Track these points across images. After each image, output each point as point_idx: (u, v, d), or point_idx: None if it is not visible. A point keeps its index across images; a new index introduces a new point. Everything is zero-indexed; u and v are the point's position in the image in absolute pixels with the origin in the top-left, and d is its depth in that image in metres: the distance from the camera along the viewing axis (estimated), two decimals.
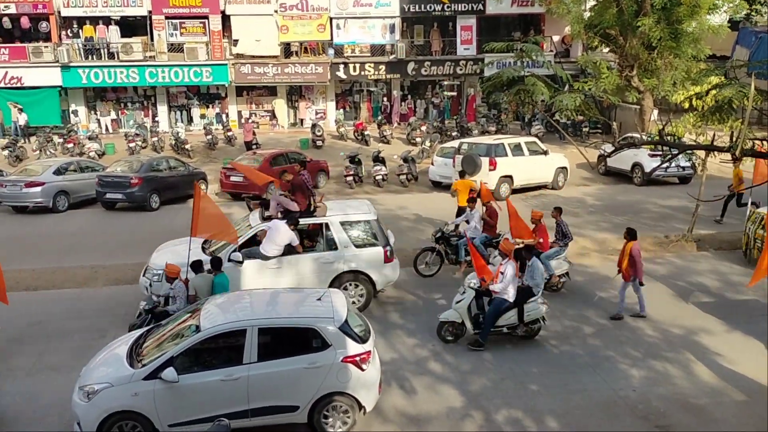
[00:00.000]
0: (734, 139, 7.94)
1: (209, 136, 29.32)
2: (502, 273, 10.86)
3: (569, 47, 34.25)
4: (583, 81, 25.03)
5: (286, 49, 32.53)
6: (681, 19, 23.89)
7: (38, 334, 11.69)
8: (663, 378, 10.04)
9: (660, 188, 22.45)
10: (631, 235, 12.06)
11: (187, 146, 28.10)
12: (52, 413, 9.21)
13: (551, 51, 32.94)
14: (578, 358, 10.68)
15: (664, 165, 17.69)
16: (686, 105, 18.71)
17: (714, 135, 12.49)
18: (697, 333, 11.51)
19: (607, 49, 28.58)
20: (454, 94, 34.71)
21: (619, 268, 12.12)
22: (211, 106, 33.58)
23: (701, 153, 16.71)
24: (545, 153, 22.50)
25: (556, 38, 34.14)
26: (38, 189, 20.38)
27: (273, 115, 33.80)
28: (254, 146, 27.51)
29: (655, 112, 26.24)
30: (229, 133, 30.18)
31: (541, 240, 13.06)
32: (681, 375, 10.13)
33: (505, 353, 10.84)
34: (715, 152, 12.63)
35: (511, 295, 10.83)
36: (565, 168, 23.13)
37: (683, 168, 22.13)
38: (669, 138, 12.32)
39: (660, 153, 20.21)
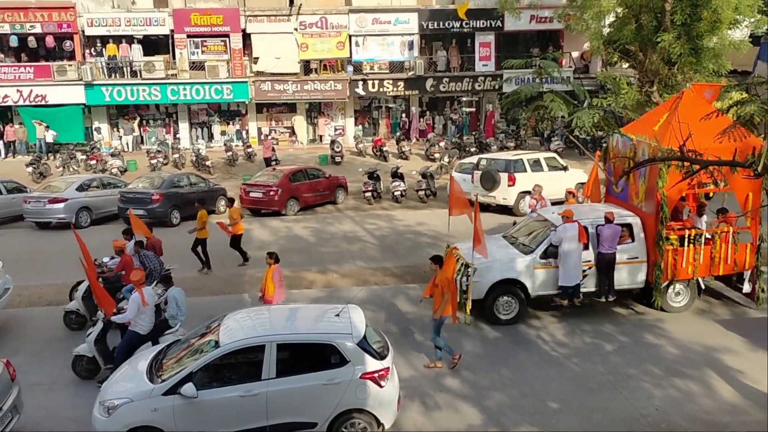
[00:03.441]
0: (756, 154, 7.87)
1: (229, 153, 29.60)
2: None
3: (588, 63, 34.20)
4: (603, 97, 24.91)
5: (306, 66, 32.85)
6: (701, 35, 23.73)
7: (59, 349, 11.76)
8: (685, 396, 9.91)
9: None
10: (272, 257, 11.74)
11: (208, 162, 28.37)
12: (72, 427, 9.28)
13: (570, 67, 32.93)
14: (599, 376, 10.56)
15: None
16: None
17: (736, 151, 12.38)
18: (719, 351, 11.35)
19: (627, 65, 28.45)
20: (473, 110, 34.76)
21: (261, 294, 11.78)
22: (231, 122, 33.91)
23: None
24: (565, 168, 22.37)
25: (575, 54, 34.14)
26: (61, 205, 20.66)
27: (292, 132, 34.06)
28: (274, 162, 27.72)
29: None
30: (249, 150, 30.48)
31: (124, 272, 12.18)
32: (703, 393, 9.99)
33: (524, 370, 10.76)
34: (738, 168, 12.53)
35: (141, 327, 10.28)
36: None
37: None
38: (690, 154, 12.23)
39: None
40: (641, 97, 25.32)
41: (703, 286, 13.31)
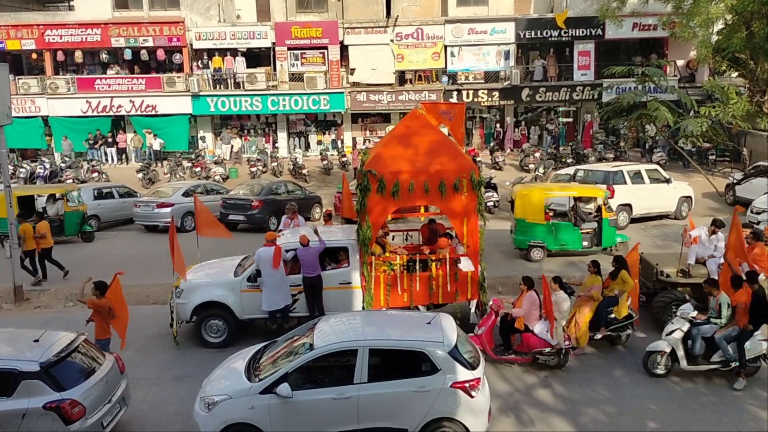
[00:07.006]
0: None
1: (325, 162, 30.26)
2: None
3: (694, 72, 32.80)
4: (710, 106, 23.85)
5: (401, 77, 33.17)
6: None
7: (165, 345, 12.40)
8: None
9: None
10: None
11: (304, 171, 29.12)
12: (174, 421, 9.72)
13: (675, 76, 31.71)
14: (702, 397, 10.10)
15: None
16: None
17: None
18: None
19: (736, 74, 27.15)
20: (570, 120, 34.04)
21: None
22: (327, 132, 34.68)
23: None
24: (667, 181, 21.52)
25: (680, 62, 32.83)
26: (168, 210, 21.72)
27: None
28: None
29: None
30: (344, 159, 31.05)
31: None
32: None
33: (622, 388, 10.41)
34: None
35: None
36: (690, 197, 22.01)
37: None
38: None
39: None
40: (752, 107, 24.06)
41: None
